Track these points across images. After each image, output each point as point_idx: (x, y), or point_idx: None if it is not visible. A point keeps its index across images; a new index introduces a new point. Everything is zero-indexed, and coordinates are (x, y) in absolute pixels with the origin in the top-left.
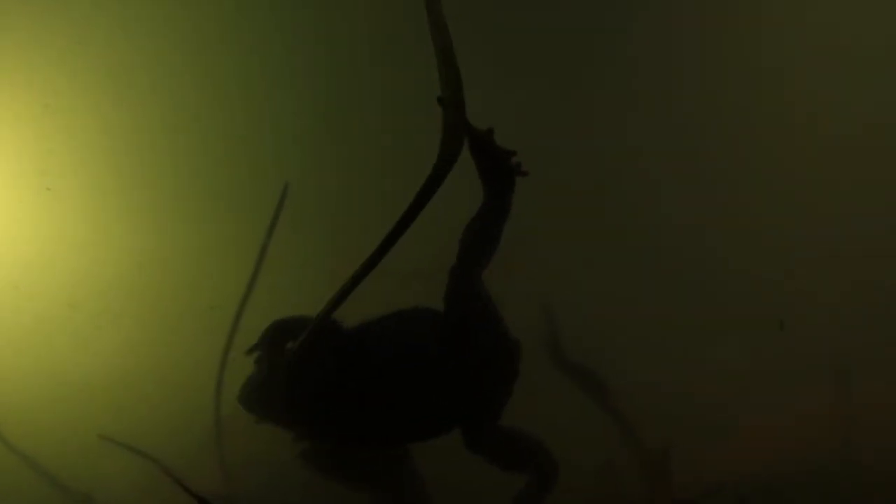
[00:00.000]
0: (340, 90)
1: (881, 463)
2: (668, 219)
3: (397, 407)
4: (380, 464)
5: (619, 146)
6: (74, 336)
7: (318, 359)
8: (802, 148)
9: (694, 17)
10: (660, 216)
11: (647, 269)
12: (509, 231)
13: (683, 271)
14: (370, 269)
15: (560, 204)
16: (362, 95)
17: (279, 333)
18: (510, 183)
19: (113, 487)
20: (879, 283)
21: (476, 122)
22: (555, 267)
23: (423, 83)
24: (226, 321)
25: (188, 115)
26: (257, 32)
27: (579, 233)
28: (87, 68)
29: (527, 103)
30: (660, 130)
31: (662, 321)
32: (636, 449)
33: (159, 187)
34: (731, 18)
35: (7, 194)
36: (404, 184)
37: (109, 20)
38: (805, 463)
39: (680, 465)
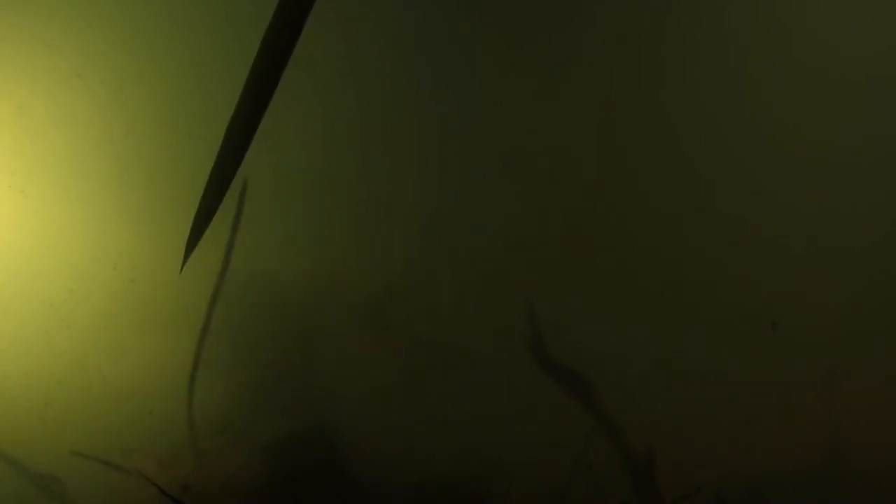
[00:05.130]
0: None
1: (868, 465)
2: (658, 220)
3: None
4: None
5: (608, 147)
6: (47, 336)
7: None
8: (794, 151)
9: (689, 23)
10: (649, 217)
11: (635, 270)
12: (495, 232)
13: (673, 272)
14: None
15: (547, 205)
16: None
17: None
18: None
19: (87, 489)
20: (870, 285)
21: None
22: (542, 267)
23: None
24: (199, 322)
25: (161, 117)
26: (233, 34)
27: (566, 233)
28: (61, 69)
29: (518, 104)
30: (650, 132)
31: (649, 321)
32: (619, 448)
33: (133, 188)
34: (723, 23)
35: None
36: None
37: (82, 22)
38: (791, 465)
39: (663, 465)
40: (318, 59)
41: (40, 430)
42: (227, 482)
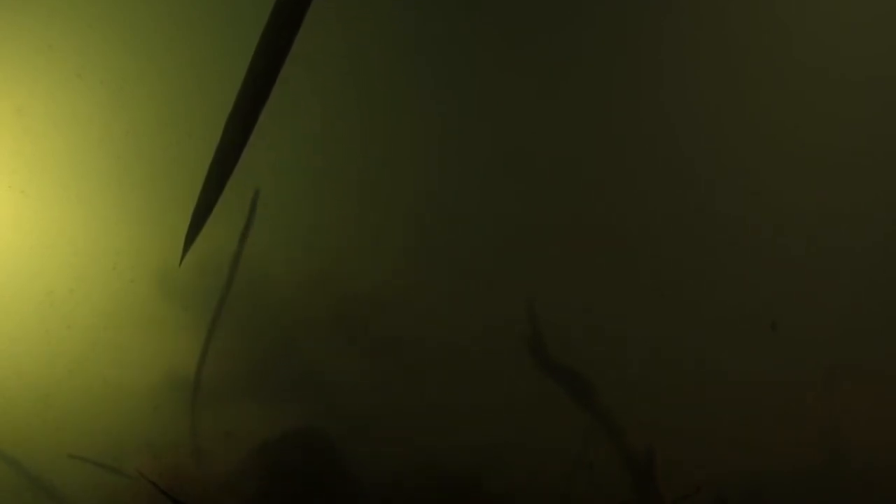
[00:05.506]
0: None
1: (868, 465)
2: (658, 220)
3: None
4: None
5: (608, 147)
6: (47, 336)
7: None
8: (794, 151)
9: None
10: (650, 217)
11: (635, 270)
12: (496, 232)
13: (673, 272)
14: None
15: (547, 205)
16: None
17: None
18: None
19: (86, 488)
20: (870, 285)
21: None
22: (542, 268)
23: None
24: (200, 322)
25: (161, 117)
26: (234, 34)
27: (565, 233)
28: (61, 70)
29: (518, 104)
30: (650, 133)
31: (650, 322)
32: (619, 448)
33: (133, 188)
34: (723, 23)
35: None
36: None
37: (82, 22)
38: (791, 465)
39: (663, 465)
40: (318, 58)
41: (40, 431)
42: (226, 482)
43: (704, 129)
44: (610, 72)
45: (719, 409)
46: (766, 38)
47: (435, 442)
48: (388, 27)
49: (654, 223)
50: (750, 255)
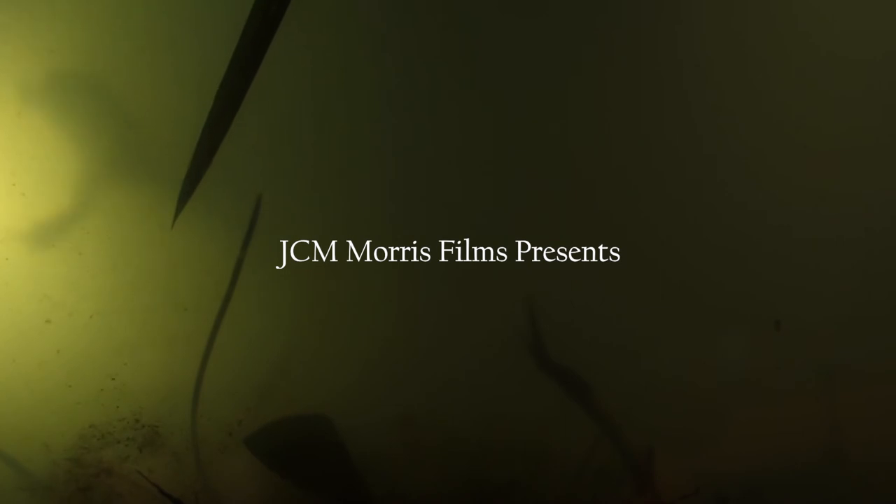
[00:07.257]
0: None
1: (868, 465)
2: (658, 220)
3: None
4: None
5: (609, 148)
6: (47, 336)
7: None
8: (800, 146)
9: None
10: (649, 217)
11: (636, 270)
12: (495, 229)
13: (673, 272)
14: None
15: (548, 205)
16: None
17: None
18: None
19: (86, 489)
20: (871, 285)
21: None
22: (540, 265)
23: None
24: (201, 324)
25: (163, 119)
26: (237, 33)
27: (566, 234)
28: (60, 70)
29: (518, 102)
30: (653, 133)
31: (650, 321)
32: (619, 448)
33: (132, 189)
34: (730, 18)
35: None
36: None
37: (82, 22)
38: (791, 464)
39: (663, 465)
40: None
41: (40, 431)
42: (228, 482)
43: (706, 129)
44: (609, 71)
45: (719, 409)
46: (768, 38)
47: (433, 442)
48: (380, 24)
49: (654, 222)
50: (751, 255)
